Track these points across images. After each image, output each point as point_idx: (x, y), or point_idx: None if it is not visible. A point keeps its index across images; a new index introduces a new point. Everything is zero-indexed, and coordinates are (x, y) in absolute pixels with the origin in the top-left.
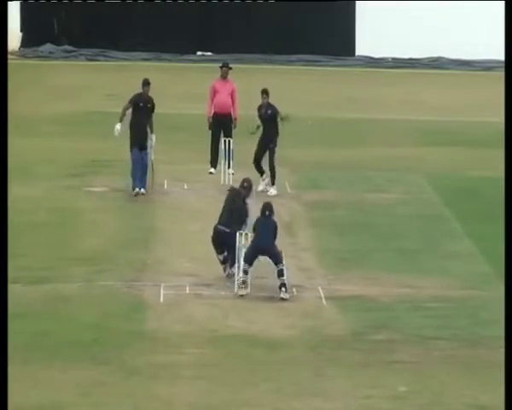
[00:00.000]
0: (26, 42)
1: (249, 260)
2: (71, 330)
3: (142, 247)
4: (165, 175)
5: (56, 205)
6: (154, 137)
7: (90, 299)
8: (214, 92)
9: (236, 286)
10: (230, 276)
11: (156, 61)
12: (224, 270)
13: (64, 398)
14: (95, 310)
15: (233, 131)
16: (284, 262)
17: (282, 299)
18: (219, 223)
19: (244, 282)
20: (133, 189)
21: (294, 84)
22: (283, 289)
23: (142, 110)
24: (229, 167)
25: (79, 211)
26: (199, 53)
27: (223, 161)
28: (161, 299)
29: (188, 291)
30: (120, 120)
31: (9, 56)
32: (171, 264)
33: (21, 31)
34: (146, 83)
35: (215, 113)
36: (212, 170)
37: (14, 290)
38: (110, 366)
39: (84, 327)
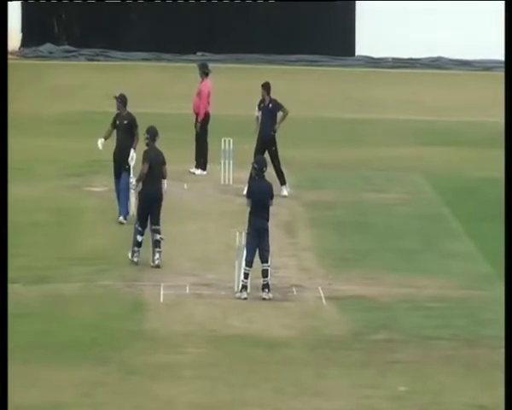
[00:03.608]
0: (26, 42)
1: (251, 261)
2: (71, 330)
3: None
4: None
5: (56, 205)
6: (133, 153)
7: (90, 299)
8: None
9: (237, 288)
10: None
11: (156, 61)
12: (133, 254)
13: (64, 398)
14: (95, 310)
15: (198, 131)
16: (269, 262)
17: (264, 299)
18: (152, 185)
19: (244, 286)
20: (119, 216)
21: (294, 84)
22: (266, 290)
23: (119, 130)
24: (196, 167)
25: (79, 211)
26: (199, 53)
27: (222, 161)
28: (161, 299)
29: (188, 291)
30: (105, 139)
31: (9, 56)
32: (171, 264)
33: (21, 31)
34: (114, 98)
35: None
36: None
37: (14, 290)
38: (110, 366)
39: (84, 327)
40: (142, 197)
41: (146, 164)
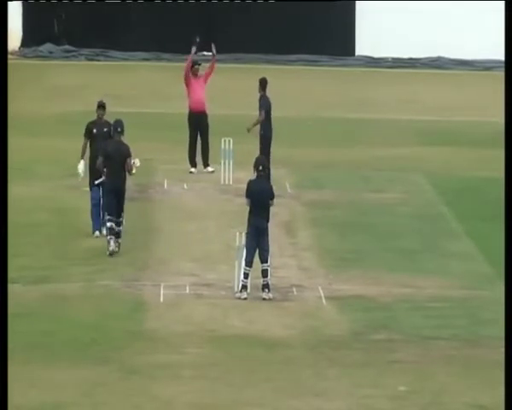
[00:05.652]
0: (26, 42)
1: (250, 260)
2: (71, 330)
3: (142, 247)
4: (165, 175)
5: (56, 205)
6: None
7: (90, 299)
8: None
9: (237, 289)
10: (114, 252)
11: (156, 61)
12: (109, 243)
13: (64, 398)
14: (94, 310)
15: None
16: (269, 262)
17: (264, 299)
18: (112, 179)
19: (244, 286)
20: (93, 232)
21: (294, 84)
22: (266, 290)
23: (98, 138)
24: (207, 165)
25: (79, 211)
26: (199, 53)
27: (222, 161)
28: (161, 299)
29: (188, 291)
30: (82, 158)
31: (9, 56)
32: (171, 264)
33: (22, 30)
34: (99, 106)
35: (191, 111)
36: (193, 170)
37: (14, 290)
38: (110, 366)
39: (84, 327)
40: (105, 190)
41: (100, 157)
